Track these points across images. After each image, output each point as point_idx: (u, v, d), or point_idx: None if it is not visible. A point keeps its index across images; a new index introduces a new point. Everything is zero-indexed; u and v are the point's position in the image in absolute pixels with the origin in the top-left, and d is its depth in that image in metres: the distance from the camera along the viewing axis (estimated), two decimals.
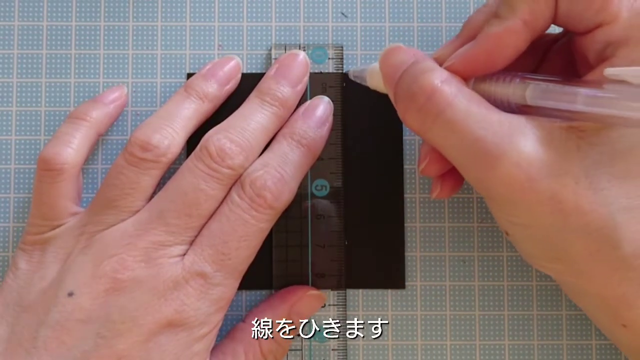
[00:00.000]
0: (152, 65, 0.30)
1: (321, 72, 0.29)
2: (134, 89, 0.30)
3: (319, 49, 0.29)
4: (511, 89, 0.21)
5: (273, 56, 0.29)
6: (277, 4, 0.30)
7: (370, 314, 0.29)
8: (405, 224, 0.29)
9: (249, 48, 0.30)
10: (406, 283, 0.29)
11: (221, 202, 0.25)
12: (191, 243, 0.25)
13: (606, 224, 0.20)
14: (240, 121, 0.26)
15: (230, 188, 0.25)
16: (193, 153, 0.25)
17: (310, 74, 0.29)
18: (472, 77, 0.22)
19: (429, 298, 0.29)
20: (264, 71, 0.29)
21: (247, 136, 0.26)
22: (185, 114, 0.27)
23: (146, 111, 0.29)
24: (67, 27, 0.30)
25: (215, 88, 0.28)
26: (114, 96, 0.29)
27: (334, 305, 0.29)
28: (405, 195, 0.29)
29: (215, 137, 0.25)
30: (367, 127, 0.29)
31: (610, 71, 0.19)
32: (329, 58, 0.29)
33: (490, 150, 0.20)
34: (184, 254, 0.25)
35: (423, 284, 0.29)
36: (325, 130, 0.28)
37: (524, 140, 0.20)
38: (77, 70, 0.30)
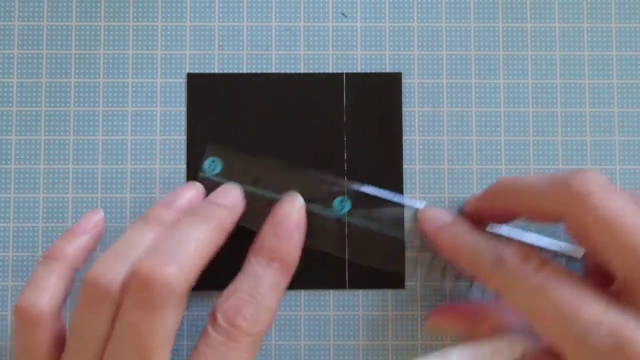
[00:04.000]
0: (152, 65, 0.30)
1: (321, 72, 0.29)
2: (134, 89, 0.30)
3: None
4: None
5: (273, 56, 0.29)
6: (277, 4, 0.30)
7: (370, 314, 0.29)
8: (405, 224, 0.29)
9: (249, 48, 0.30)
10: (406, 283, 0.29)
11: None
12: None
13: None
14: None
15: (205, 324, 0.24)
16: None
17: (311, 74, 0.29)
18: None
19: (429, 298, 0.29)
20: (264, 71, 0.29)
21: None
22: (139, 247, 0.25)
23: (146, 111, 0.29)
24: (67, 27, 0.30)
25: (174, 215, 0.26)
26: (89, 226, 0.28)
27: (334, 305, 0.29)
28: (405, 195, 0.29)
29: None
30: (367, 127, 0.29)
31: None
32: (329, 58, 0.29)
33: None
34: None
35: (423, 284, 0.29)
36: (298, 236, 0.26)
37: None
38: (77, 70, 0.30)
